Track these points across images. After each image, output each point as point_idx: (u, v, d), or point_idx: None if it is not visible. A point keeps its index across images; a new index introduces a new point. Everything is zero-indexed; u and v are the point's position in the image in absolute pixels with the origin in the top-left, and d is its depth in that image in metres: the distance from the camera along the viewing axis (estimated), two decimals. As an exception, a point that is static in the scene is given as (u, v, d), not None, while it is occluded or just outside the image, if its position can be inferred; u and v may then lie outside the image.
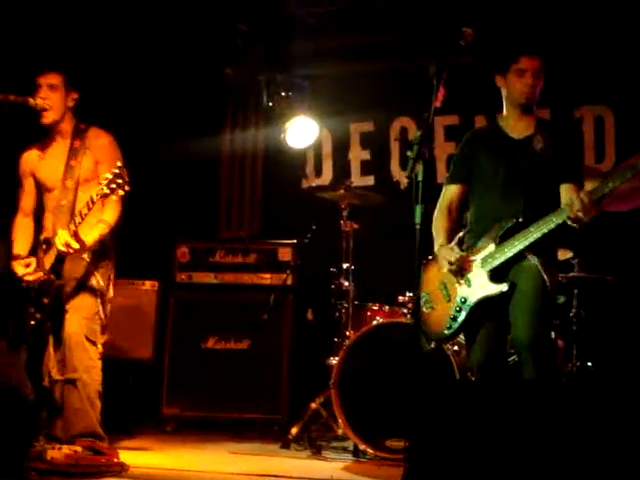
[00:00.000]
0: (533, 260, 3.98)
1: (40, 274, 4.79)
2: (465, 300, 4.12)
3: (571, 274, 5.62)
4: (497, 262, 4.05)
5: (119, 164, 4.53)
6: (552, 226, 3.92)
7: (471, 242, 4.23)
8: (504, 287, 4.01)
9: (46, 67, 4.90)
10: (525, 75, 4.12)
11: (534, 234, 3.96)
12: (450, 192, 4.35)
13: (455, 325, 4.14)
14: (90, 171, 4.87)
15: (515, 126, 4.24)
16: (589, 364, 5.63)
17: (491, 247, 4.08)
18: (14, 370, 4.83)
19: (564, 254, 5.62)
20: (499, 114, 4.31)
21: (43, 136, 5.02)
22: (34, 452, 4.54)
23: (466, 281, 4.13)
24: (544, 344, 3.99)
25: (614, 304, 5.92)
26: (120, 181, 4.46)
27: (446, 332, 4.17)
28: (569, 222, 3.89)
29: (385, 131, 7.16)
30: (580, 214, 3.82)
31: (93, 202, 4.57)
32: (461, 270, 4.12)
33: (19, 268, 4.85)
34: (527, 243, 3.98)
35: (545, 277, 3.95)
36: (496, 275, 4.05)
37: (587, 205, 3.82)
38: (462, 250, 4.19)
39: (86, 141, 4.92)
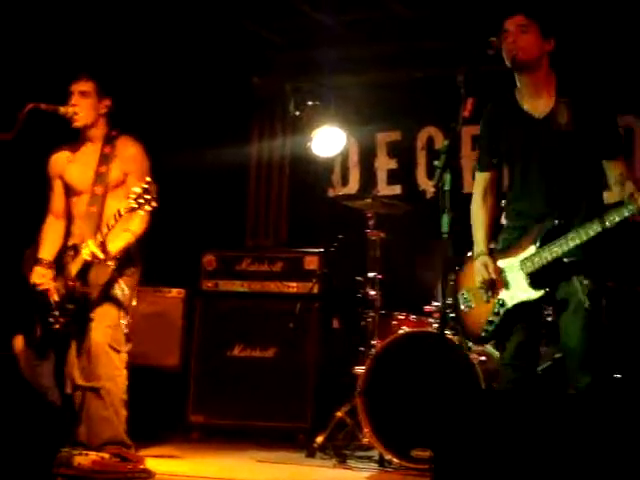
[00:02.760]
0: (583, 282, 3.88)
1: (51, 286, 4.81)
2: (503, 303, 4.02)
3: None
4: (537, 266, 3.92)
5: (148, 179, 4.55)
6: (592, 234, 3.78)
7: (510, 240, 4.08)
8: (541, 293, 3.92)
9: (78, 74, 4.96)
10: (509, 34, 3.93)
11: (574, 240, 3.82)
12: (482, 180, 4.20)
13: (491, 328, 4.05)
14: (118, 179, 4.91)
15: (534, 101, 4.02)
16: (617, 376, 5.57)
17: (531, 249, 3.95)
18: (42, 376, 4.87)
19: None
20: (515, 88, 4.09)
21: (74, 140, 5.06)
22: (61, 458, 4.56)
23: (505, 283, 4.05)
24: (595, 353, 3.93)
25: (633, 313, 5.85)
26: (148, 197, 4.49)
27: (483, 334, 4.09)
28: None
29: (412, 140, 7.15)
30: None
31: (120, 215, 4.60)
32: (492, 288, 4.05)
33: (35, 275, 4.88)
34: (567, 249, 3.84)
35: (591, 301, 3.88)
36: (536, 279, 3.94)
37: None
38: (499, 250, 4.11)
39: (116, 149, 4.97)
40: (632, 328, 5.85)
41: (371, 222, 5.97)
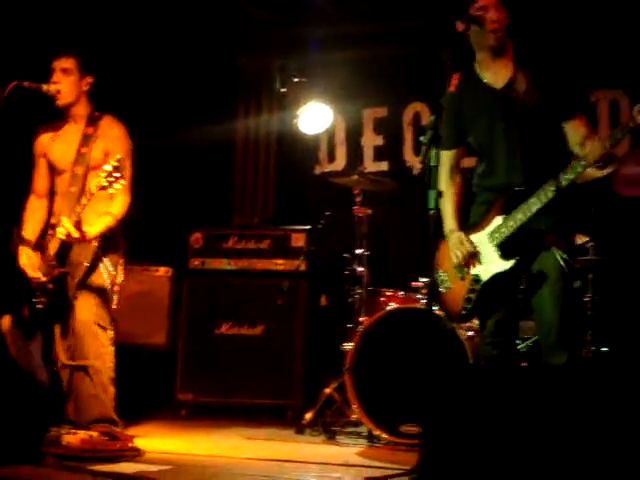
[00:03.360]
0: (556, 253, 3.90)
1: (39, 274, 4.79)
2: (478, 279, 4.03)
3: (586, 258, 5.60)
4: (503, 236, 3.94)
5: (118, 156, 4.53)
6: (550, 195, 3.78)
7: (479, 214, 4.10)
8: (513, 262, 3.92)
9: (60, 51, 4.92)
10: (488, 11, 3.90)
11: (535, 204, 3.82)
12: (448, 158, 4.16)
13: (469, 306, 4.07)
14: (99, 160, 4.87)
15: (494, 72, 4.00)
16: (604, 349, 5.61)
17: (498, 220, 3.97)
18: (30, 356, 4.86)
19: (579, 238, 5.60)
20: (474, 62, 4.07)
21: (59, 118, 5.03)
22: (50, 437, 4.56)
23: (478, 258, 4.04)
24: (573, 328, 3.93)
25: (629, 288, 5.90)
26: (118, 174, 4.47)
27: (463, 312, 4.11)
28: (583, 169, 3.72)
29: (398, 116, 7.14)
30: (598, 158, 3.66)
31: (92, 194, 4.58)
32: (468, 263, 4.05)
33: (23, 258, 4.85)
34: (530, 214, 3.85)
35: (566, 269, 3.89)
36: (505, 249, 3.94)
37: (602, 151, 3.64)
38: (468, 226, 4.10)
39: (98, 129, 4.94)
40: (617, 302, 5.90)
41: (358, 199, 5.96)
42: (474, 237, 4.06)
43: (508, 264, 3.95)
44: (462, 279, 4.08)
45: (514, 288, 4.07)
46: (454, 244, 4.07)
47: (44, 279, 4.78)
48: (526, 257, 3.96)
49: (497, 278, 3.99)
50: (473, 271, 4.05)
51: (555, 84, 3.92)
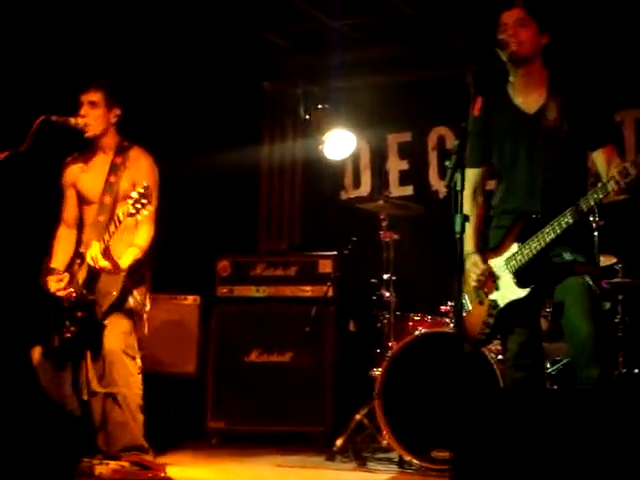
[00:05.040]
0: (582, 279, 3.85)
1: (71, 290, 4.85)
2: (495, 304, 3.99)
3: (615, 280, 5.57)
4: (519, 264, 3.90)
5: (145, 184, 4.58)
6: (564, 226, 3.74)
7: (497, 239, 4.05)
8: (528, 291, 3.87)
9: (87, 85, 4.98)
10: (507, 27, 3.88)
11: (550, 234, 3.78)
12: (473, 176, 4.10)
13: (487, 330, 4.02)
14: (127, 190, 4.91)
15: (526, 96, 3.97)
16: (636, 371, 5.56)
17: (514, 247, 3.93)
18: (61, 387, 4.89)
19: (608, 260, 5.57)
20: (508, 82, 4.03)
21: (87, 149, 5.09)
22: (82, 468, 4.58)
23: (496, 284, 4.00)
24: (605, 342, 3.89)
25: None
26: (145, 201, 4.52)
27: (481, 337, 4.07)
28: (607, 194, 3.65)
29: (423, 141, 7.15)
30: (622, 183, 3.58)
31: (120, 221, 4.64)
32: (483, 285, 4.02)
33: (52, 283, 4.91)
34: (544, 244, 3.80)
35: (595, 287, 3.87)
36: (521, 277, 3.91)
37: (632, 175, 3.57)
38: (489, 250, 4.06)
39: (127, 160, 4.99)
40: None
41: (384, 224, 5.96)
42: (492, 262, 4.02)
43: (523, 292, 3.90)
44: (481, 303, 4.05)
45: (535, 312, 4.04)
46: (470, 266, 4.06)
47: (74, 295, 4.81)
48: (545, 285, 3.92)
49: (514, 304, 3.95)
50: (491, 296, 4.02)
51: (586, 113, 3.89)
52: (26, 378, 4.95)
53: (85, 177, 5.06)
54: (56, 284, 4.90)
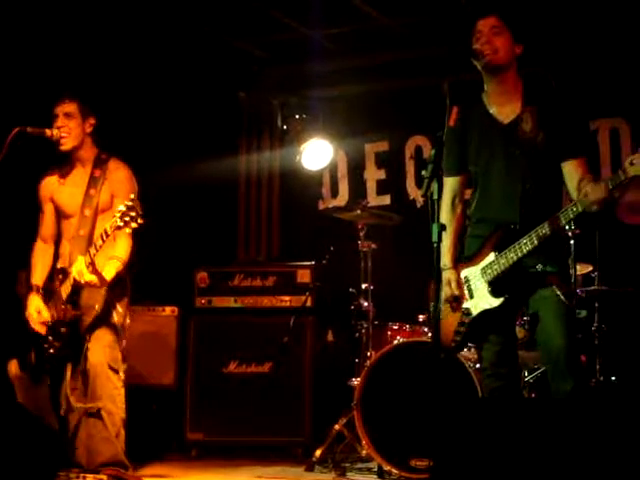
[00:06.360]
0: (555, 289, 3.88)
1: (46, 320, 4.81)
2: (468, 312, 4.01)
3: (591, 288, 5.60)
4: (495, 274, 3.91)
5: (132, 196, 4.55)
6: (541, 237, 3.76)
7: (474, 247, 4.06)
8: (501, 300, 3.90)
9: (61, 96, 4.96)
10: (481, 35, 3.90)
11: (527, 245, 3.81)
12: (451, 184, 4.13)
13: (459, 338, 4.04)
14: (107, 202, 4.90)
15: (500, 105, 3.99)
16: (612, 378, 5.59)
17: (490, 257, 3.94)
18: (38, 400, 4.85)
19: (584, 268, 5.60)
20: (483, 91, 4.05)
21: (64, 162, 5.05)
22: (59, 481, 4.55)
23: (469, 292, 4.03)
24: (577, 355, 3.92)
25: (635, 316, 5.88)
26: (133, 214, 4.48)
27: (453, 344, 4.08)
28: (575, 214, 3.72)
29: (400, 150, 7.17)
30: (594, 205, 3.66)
31: (107, 234, 4.60)
32: (455, 302, 4.03)
33: (31, 308, 4.86)
34: (521, 255, 3.83)
35: (566, 301, 3.88)
36: (496, 287, 3.93)
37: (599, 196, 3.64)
38: (464, 259, 4.08)
39: (106, 172, 4.96)
40: (624, 330, 5.88)
41: (362, 233, 5.97)
42: (468, 270, 4.04)
43: (496, 302, 3.92)
44: (454, 311, 4.07)
45: (510, 321, 4.06)
46: (444, 282, 4.07)
47: (44, 331, 4.78)
48: (519, 295, 3.94)
49: (487, 313, 3.96)
50: (465, 305, 4.03)
51: (559, 123, 3.91)
52: (3, 391, 4.92)
53: (63, 190, 5.01)
54: (35, 313, 4.84)
